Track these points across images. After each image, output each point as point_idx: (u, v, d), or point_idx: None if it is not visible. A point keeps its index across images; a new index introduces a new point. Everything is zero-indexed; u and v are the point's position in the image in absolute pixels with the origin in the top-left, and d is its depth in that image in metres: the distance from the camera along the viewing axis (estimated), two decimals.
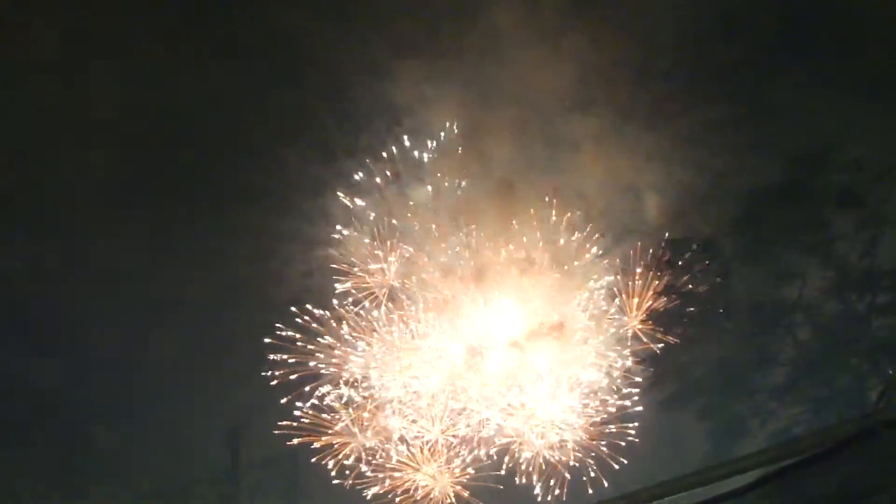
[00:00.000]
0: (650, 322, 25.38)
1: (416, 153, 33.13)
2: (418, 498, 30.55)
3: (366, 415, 31.61)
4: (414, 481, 30.95)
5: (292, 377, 31.20)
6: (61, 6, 29.08)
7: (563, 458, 30.60)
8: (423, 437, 31.79)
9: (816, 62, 27.67)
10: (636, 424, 29.84)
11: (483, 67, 33.17)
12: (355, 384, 31.72)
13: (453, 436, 31.59)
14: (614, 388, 30.40)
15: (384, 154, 33.19)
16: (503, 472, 30.62)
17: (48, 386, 28.21)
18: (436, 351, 32.32)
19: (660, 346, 25.64)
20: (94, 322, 29.21)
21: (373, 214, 33.13)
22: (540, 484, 30.36)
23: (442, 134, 33.11)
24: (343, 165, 32.54)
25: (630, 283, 30.59)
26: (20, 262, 28.47)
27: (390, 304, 32.60)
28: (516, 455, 31.07)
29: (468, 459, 31.20)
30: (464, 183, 32.98)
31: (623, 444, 30.06)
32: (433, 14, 32.58)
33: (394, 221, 32.56)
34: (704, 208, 28.74)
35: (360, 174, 32.73)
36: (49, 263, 28.91)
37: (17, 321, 28.07)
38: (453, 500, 30.51)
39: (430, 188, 33.01)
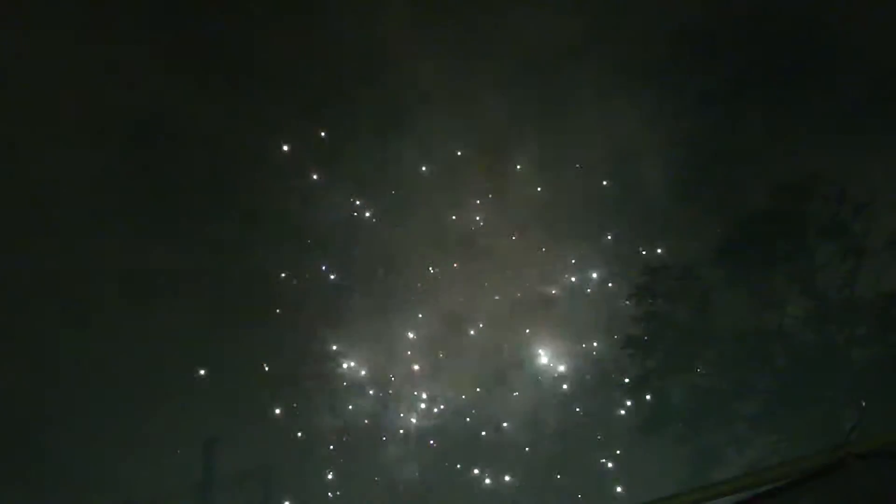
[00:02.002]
0: None
1: (402, 107, 31.62)
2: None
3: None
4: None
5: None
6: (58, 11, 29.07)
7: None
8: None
9: (802, 95, 27.96)
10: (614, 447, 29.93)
11: (474, 16, 31.95)
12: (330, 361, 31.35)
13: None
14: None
15: (368, 108, 31.51)
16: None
17: (12, 391, 27.88)
18: (415, 328, 31.59)
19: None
20: (63, 325, 28.97)
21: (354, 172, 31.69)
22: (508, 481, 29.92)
23: (429, 87, 31.58)
24: (324, 117, 31.31)
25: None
26: None
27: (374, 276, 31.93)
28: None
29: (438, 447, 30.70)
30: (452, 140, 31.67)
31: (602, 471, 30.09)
32: None
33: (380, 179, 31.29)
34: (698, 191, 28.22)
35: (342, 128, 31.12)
36: (19, 263, 28.64)
37: None
38: None
39: (417, 146, 31.58)
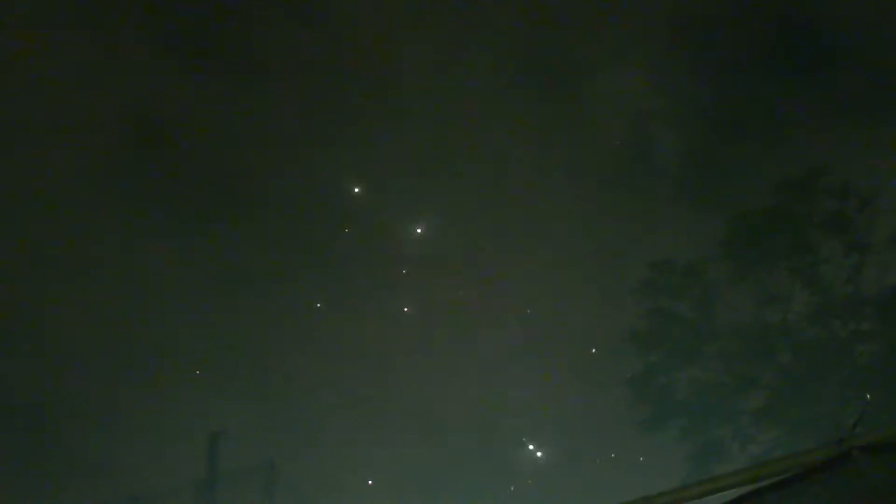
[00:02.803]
0: None
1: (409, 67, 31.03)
2: None
3: None
4: None
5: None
6: (61, 13, 29.06)
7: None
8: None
9: (805, 90, 27.89)
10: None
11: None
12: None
13: None
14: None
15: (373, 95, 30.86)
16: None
17: (21, 385, 27.95)
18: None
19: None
20: (72, 320, 29.03)
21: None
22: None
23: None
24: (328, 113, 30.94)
25: None
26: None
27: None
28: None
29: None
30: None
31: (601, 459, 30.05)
32: None
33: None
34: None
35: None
36: (26, 258, 28.69)
37: None
38: None
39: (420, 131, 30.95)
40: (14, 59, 28.10)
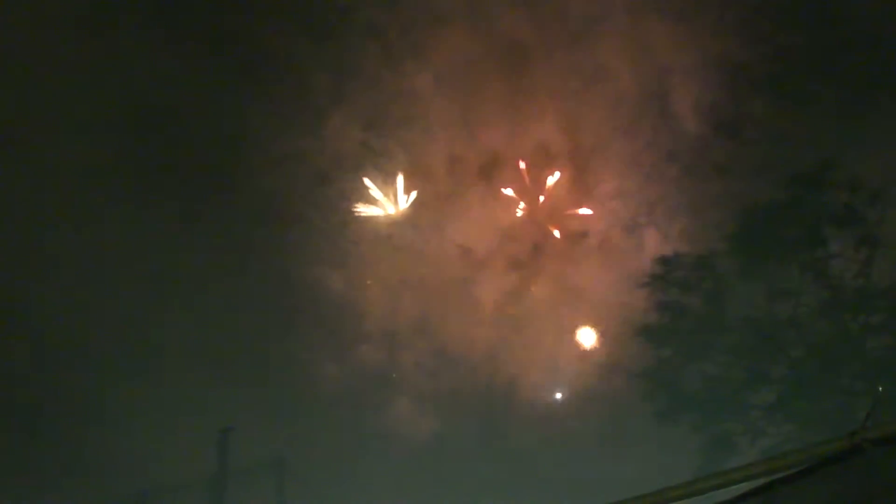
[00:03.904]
0: None
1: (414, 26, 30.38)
2: None
3: None
4: None
5: None
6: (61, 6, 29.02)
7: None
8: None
9: (815, 83, 27.74)
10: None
11: None
12: None
13: None
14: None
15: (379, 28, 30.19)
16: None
17: (24, 381, 28.01)
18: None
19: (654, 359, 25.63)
20: (78, 314, 29.06)
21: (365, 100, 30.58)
22: None
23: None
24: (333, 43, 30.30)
25: None
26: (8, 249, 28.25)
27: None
28: None
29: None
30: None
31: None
32: None
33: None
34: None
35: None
36: (24, 253, 28.67)
37: None
38: None
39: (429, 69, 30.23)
40: (11, 52, 28.09)
